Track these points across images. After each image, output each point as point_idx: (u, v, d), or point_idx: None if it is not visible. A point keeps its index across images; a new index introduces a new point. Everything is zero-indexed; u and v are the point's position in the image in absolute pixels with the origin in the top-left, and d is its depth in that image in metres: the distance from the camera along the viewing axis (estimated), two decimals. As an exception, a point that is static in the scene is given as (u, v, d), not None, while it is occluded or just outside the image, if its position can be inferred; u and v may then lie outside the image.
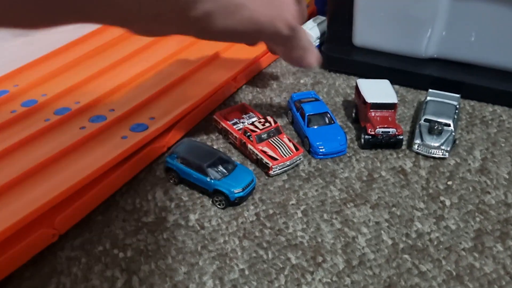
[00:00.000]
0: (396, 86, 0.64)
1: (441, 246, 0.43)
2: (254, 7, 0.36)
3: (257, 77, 0.67)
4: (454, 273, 0.40)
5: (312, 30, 0.71)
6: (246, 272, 0.41)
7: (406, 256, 0.42)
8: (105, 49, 0.70)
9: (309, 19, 0.74)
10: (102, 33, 0.73)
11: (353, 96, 0.61)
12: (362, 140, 0.53)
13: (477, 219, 0.45)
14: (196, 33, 0.37)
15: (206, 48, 0.68)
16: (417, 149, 0.53)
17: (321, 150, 0.52)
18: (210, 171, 0.47)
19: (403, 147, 0.54)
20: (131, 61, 0.67)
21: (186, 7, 0.32)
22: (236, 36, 0.38)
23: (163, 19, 0.32)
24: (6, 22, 0.26)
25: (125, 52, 0.68)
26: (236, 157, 0.53)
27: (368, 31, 0.66)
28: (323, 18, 0.73)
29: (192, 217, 0.46)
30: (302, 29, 0.44)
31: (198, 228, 0.45)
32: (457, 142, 0.54)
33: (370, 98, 0.54)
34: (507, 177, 0.50)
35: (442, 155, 0.52)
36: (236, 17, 0.36)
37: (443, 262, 0.41)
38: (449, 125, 0.53)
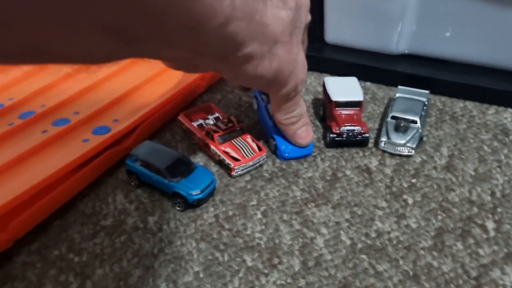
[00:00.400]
0: (368, 83, 0.64)
1: (400, 246, 0.42)
2: (284, 59, 0.41)
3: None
4: (411, 273, 0.40)
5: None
6: (201, 275, 0.41)
7: (364, 256, 0.42)
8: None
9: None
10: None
11: (323, 95, 0.60)
12: (328, 139, 0.53)
13: (439, 217, 0.45)
14: (231, 72, 0.40)
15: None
16: (383, 147, 0.53)
17: (287, 154, 0.51)
18: (169, 173, 0.47)
19: (370, 145, 0.54)
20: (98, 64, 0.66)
21: (234, 47, 0.35)
22: (262, 83, 0.42)
23: (209, 54, 0.35)
24: (80, 57, 0.27)
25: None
26: (200, 158, 0.53)
27: (339, 28, 0.66)
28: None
29: (151, 219, 0.46)
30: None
31: (156, 230, 0.45)
32: (424, 139, 0.54)
33: (335, 96, 0.54)
34: (473, 173, 0.50)
35: (408, 152, 0.52)
36: (271, 64, 0.40)
37: (401, 262, 0.41)
38: (415, 122, 0.53)
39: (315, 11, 0.67)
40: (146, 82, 0.62)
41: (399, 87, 0.58)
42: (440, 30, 0.61)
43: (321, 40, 0.68)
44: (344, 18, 0.65)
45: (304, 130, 0.50)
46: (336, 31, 0.66)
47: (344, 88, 0.55)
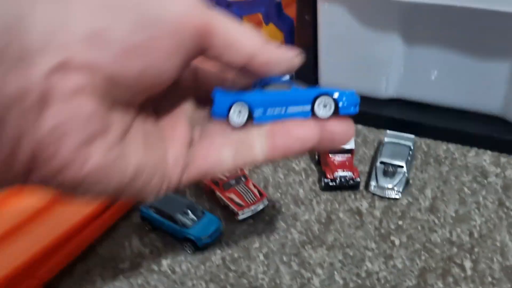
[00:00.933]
0: (359, 126, 0.70)
1: (387, 285, 0.48)
2: None
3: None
4: (397, 310, 0.46)
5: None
6: (211, 314, 0.46)
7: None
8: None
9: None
10: None
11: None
12: (323, 184, 0.59)
13: (423, 257, 0.51)
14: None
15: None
16: (373, 190, 0.59)
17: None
18: (180, 220, 0.53)
19: (361, 187, 0.60)
20: None
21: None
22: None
23: None
24: None
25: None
26: (206, 202, 0.59)
27: (332, 73, 0.72)
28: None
29: (164, 262, 0.52)
30: None
31: (170, 272, 0.51)
32: (410, 182, 0.60)
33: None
34: (454, 215, 0.56)
35: (395, 195, 0.58)
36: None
37: (388, 300, 0.47)
38: (402, 167, 0.59)
39: (310, 57, 0.73)
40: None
41: (387, 132, 0.64)
42: (424, 76, 0.67)
43: (316, 85, 0.74)
44: (337, 64, 0.71)
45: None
46: (330, 76, 0.73)
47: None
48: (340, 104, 0.29)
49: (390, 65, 0.68)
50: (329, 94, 0.28)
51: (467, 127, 0.65)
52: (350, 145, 0.60)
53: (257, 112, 0.29)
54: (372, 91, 0.71)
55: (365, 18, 0.66)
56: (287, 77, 0.33)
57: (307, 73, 0.74)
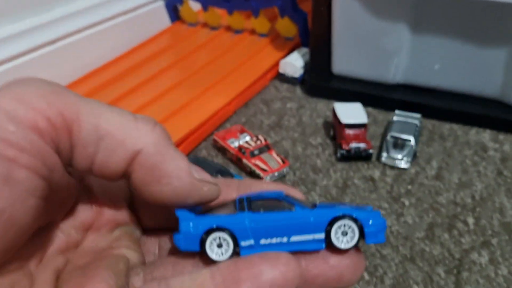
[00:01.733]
0: (369, 109, 0.78)
1: (399, 236, 0.55)
2: None
3: (250, 102, 0.80)
4: (409, 256, 0.53)
5: (297, 61, 0.84)
6: None
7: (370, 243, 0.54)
8: (111, 83, 0.82)
9: (293, 51, 0.88)
10: (107, 69, 0.87)
11: (331, 117, 0.74)
12: (338, 154, 0.66)
13: (430, 215, 0.58)
14: None
15: (204, 78, 0.81)
16: (384, 160, 0.66)
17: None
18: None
19: (373, 159, 0.67)
20: (138, 91, 0.80)
21: None
22: None
23: None
24: None
25: (131, 84, 0.81)
26: (233, 170, 0.66)
27: (345, 61, 0.80)
28: (306, 49, 0.87)
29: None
30: None
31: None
32: (417, 154, 0.67)
33: (344, 119, 0.67)
34: (457, 182, 0.63)
35: (405, 165, 0.65)
36: None
37: (400, 248, 0.54)
38: (410, 140, 0.66)
39: (324, 46, 0.81)
40: (181, 108, 0.74)
41: (396, 111, 0.71)
42: (430, 63, 0.75)
43: (329, 72, 0.81)
44: (349, 52, 0.79)
45: None
46: (342, 64, 0.80)
47: (351, 112, 0.69)
48: (367, 230, 0.23)
49: (398, 53, 0.76)
50: (350, 216, 0.23)
51: (468, 109, 0.73)
52: (363, 120, 0.67)
53: (246, 244, 0.23)
54: (381, 77, 0.79)
55: (377, 10, 0.74)
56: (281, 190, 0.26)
57: (322, 62, 0.82)
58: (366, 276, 0.51)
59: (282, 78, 0.86)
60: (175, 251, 0.25)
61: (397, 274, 0.51)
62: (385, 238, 0.24)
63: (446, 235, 0.55)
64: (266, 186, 0.27)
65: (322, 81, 0.81)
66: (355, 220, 0.23)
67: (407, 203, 0.60)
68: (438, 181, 0.63)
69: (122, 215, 0.27)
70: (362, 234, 0.24)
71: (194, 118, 0.71)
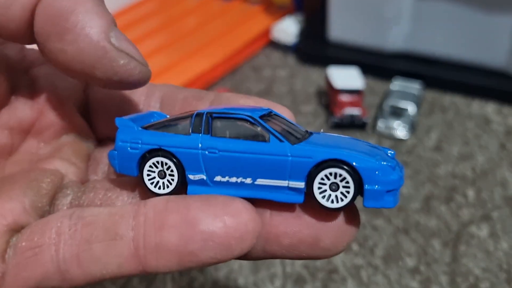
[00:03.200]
0: (367, 78, 0.74)
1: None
2: None
3: (238, 69, 0.77)
4: (402, 227, 0.50)
5: (290, 28, 0.81)
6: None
7: (361, 213, 0.51)
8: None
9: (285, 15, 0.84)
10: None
11: (325, 85, 0.71)
12: (330, 122, 0.63)
13: (427, 187, 0.55)
14: None
15: (191, 43, 0.78)
16: (381, 130, 0.63)
17: None
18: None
19: (368, 129, 0.64)
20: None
21: None
22: None
23: None
24: None
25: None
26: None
27: (341, 27, 0.77)
28: (300, 16, 0.83)
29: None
30: None
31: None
32: (416, 126, 0.64)
33: (338, 84, 0.64)
34: (456, 154, 0.60)
35: (401, 134, 0.62)
36: None
37: (393, 219, 0.51)
38: (407, 110, 0.63)
39: (319, 13, 0.77)
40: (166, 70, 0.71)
41: (394, 80, 0.68)
42: (431, 31, 0.72)
43: (324, 40, 0.78)
44: (346, 17, 0.75)
45: None
46: (339, 30, 0.77)
47: (346, 77, 0.65)
48: (367, 187, 0.18)
49: (399, 19, 0.72)
50: (346, 162, 0.17)
51: (471, 80, 0.70)
52: (359, 85, 0.64)
53: (195, 178, 0.18)
54: (380, 44, 0.75)
55: (376, -29, 0.71)
56: (264, 106, 0.21)
57: (317, 29, 0.78)
58: (355, 247, 0.48)
59: (275, 46, 0.82)
60: (118, 173, 0.21)
61: (389, 245, 0.48)
62: (395, 202, 0.19)
63: (443, 208, 0.52)
64: (246, 101, 0.21)
65: (316, 48, 0.78)
66: (352, 170, 0.17)
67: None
68: (437, 153, 0.60)
69: (71, 120, 0.23)
70: (360, 191, 0.18)
71: (177, 81, 0.68)
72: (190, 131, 0.19)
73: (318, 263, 0.47)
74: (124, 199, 0.20)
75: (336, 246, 0.19)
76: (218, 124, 0.18)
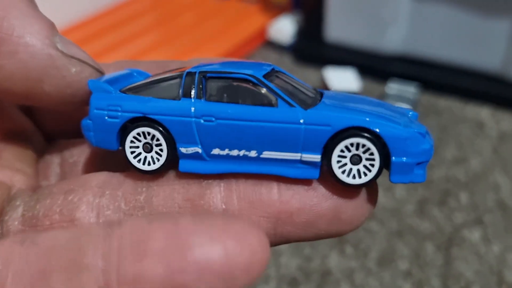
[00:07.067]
0: (363, 80, 0.76)
1: (386, 210, 0.54)
2: None
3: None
4: (395, 230, 0.51)
5: (287, 27, 0.82)
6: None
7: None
8: (91, 38, 0.80)
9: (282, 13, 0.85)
10: (89, 25, 0.84)
11: (321, 86, 0.72)
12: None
13: (420, 190, 0.57)
14: None
15: (186, 41, 0.79)
16: (374, 132, 0.64)
17: None
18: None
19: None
20: (117, 49, 0.77)
21: None
22: None
23: None
24: None
25: (111, 41, 0.78)
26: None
27: (339, 28, 0.78)
28: (298, 15, 0.84)
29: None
30: None
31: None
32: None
33: (333, 85, 0.65)
34: (450, 158, 0.62)
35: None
36: None
37: (386, 222, 0.52)
38: (403, 112, 0.65)
39: (316, 14, 0.79)
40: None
41: (389, 83, 0.70)
42: (428, 34, 0.73)
43: (321, 40, 0.79)
44: (343, 18, 0.77)
45: None
46: (336, 31, 0.78)
47: (342, 78, 0.67)
48: (395, 159, 0.16)
49: (396, 21, 0.74)
50: (370, 130, 0.15)
51: (466, 84, 0.72)
52: (354, 87, 0.65)
53: (188, 151, 0.16)
54: (377, 46, 0.77)
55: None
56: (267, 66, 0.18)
57: (314, 30, 0.80)
58: (349, 249, 0.50)
59: (271, 45, 0.83)
60: (76, 167, 0.19)
61: (382, 248, 0.50)
62: (425, 176, 0.16)
63: (436, 211, 0.54)
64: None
65: (313, 49, 0.79)
66: (378, 139, 0.15)
67: (396, 176, 0.58)
68: (431, 156, 0.62)
69: (10, 119, 0.19)
70: (386, 163, 0.16)
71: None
72: (180, 94, 0.16)
73: (312, 265, 0.49)
74: (90, 200, 0.17)
75: (358, 218, 0.18)
76: (213, 85, 0.16)
